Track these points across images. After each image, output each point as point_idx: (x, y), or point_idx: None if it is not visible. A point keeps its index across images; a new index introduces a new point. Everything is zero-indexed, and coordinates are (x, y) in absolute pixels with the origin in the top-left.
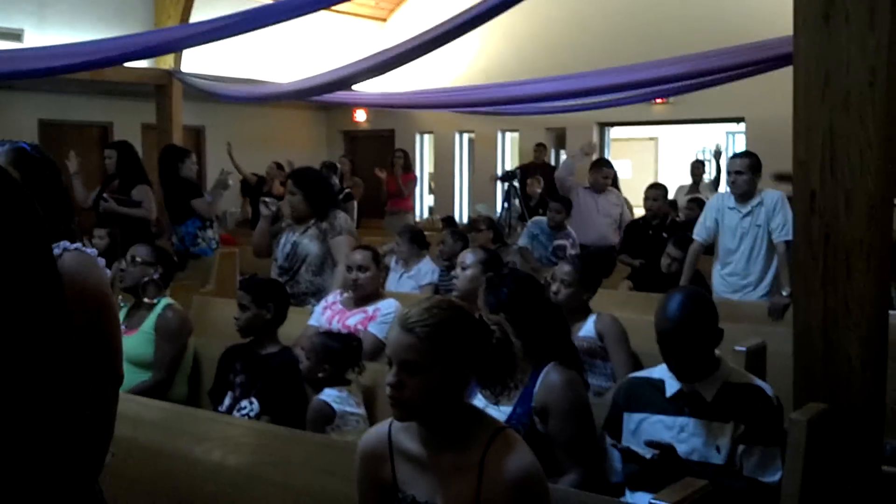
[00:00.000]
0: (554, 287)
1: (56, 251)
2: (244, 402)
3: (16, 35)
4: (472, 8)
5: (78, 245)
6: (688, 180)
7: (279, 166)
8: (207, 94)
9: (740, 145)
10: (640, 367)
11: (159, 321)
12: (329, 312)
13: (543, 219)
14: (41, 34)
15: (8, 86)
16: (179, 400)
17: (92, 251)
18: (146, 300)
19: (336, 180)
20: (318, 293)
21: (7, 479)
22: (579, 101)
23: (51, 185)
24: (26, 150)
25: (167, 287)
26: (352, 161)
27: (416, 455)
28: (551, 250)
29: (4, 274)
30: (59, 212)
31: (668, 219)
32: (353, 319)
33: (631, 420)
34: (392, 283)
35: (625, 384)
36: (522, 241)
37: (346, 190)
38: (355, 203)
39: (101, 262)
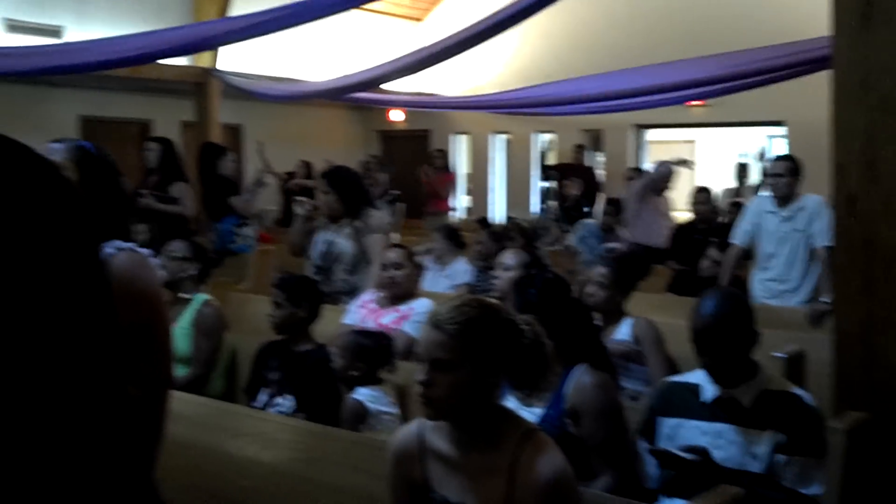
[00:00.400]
0: (589, 289)
1: (109, 250)
2: (280, 399)
3: (54, 31)
4: (506, 7)
5: (131, 245)
6: (726, 183)
7: (306, 164)
8: (244, 92)
9: (781, 149)
10: (676, 371)
11: (197, 317)
12: (363, 311)
13: (592, 221)
14: (81, 31)
15: (49, 81)
16: (216, 395)
17: (146, 251)
18: (182, 296)
19: (387, 178)
20: (353, 292)
21: (58, 480)
22: (615, 103)
23: (109, 185)
24: (87, 150)
25: (204, 283)
26: (380, 161)
27: (447, 455)
28: (600, 253)
29: (46, 271)
30: (115, 212)
31: (714, 222)
32: (387, 318)
33: (666, 425)
34: (427, 281)
35: (660, 388)
36: (571, 241)
37: (395, 192)
38: (404, 205)
39: (155, 262)
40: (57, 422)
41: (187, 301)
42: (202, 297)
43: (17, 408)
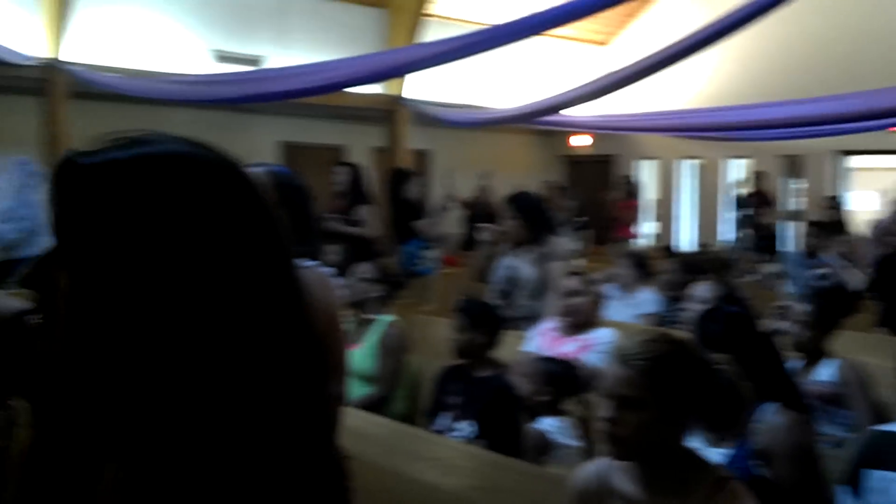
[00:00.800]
0: (789, 327)
1: None
2: (461, 424)
3: (253, 61)
4: (697, 31)
5: (315, 263)
6: None
7: (484, 188)
8: (431, 119)
9: None
10: (885, 418)
11: (382, 337)
12: (544, 339)
13: (793, 250)
14: (280, 59)
15: (253, 109)
16: (399, 416)
17: (329, 270)
18: (368, 316)
19: (573, 204)
20: (534, 318)
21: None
22: (814, 128)
23: (301, 209)
24: (284, 175)
25: (390, 304)
26: (561, 187)
27: (632, 498)
28: (808, 281)
29: (256, 277)
30: (305, 233)
31: None
32: (569, 347)
33: (873, 478)
34: (611, 309)
35: (867, 437)
36: (771, 272)
37: (582, 219)
38: (591, 232)
39: (338, 282)
40: (258, 421)
41: (373, 321)
42: (387, 317)
43: (223, 408)
